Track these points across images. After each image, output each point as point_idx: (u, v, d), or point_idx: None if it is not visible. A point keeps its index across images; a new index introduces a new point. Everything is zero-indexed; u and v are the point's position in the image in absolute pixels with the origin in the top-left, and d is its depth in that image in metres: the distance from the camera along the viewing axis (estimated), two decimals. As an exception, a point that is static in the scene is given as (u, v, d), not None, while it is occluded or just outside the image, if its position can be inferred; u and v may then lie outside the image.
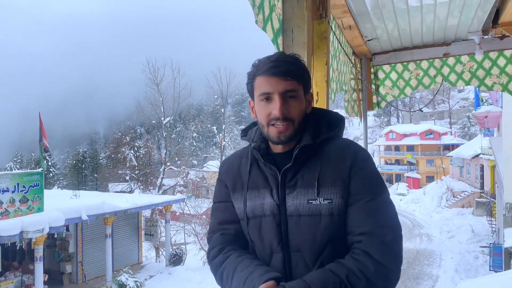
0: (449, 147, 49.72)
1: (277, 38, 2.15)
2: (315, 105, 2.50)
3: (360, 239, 1.15)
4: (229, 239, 1.31)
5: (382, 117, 76.62)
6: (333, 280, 1.10)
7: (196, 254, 22.67)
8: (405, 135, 56.34)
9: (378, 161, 58.74)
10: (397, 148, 57.09)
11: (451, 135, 55.71)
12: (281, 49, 2.20)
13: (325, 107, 2.50)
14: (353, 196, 1.19)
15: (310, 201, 1.19)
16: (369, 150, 66.62)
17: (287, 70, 1.21)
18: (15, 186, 11.48)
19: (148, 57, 35.12)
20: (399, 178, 53.24)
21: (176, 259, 17.68)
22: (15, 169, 53.34)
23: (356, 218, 1.17)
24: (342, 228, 1.19)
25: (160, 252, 22.15)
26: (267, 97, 1.22)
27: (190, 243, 24.48)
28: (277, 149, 1.28)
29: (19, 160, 71.41)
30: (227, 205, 1.35)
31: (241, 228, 1.32)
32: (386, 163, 57.83)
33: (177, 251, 18.35)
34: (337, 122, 1.33)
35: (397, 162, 56.35)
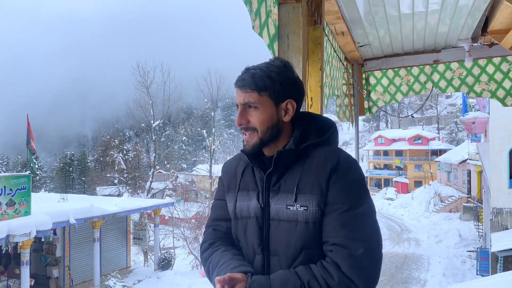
0: (437, 152, 50.27)
1: (273, 43, 2.17)
2: (309, 110, 2.52)
3: (331, 249, 1.15)
4: (221, 235, 1.38)
5: (371, 122, 77.24)
6: (293, 282, 1.12)
7: (185, 259, 22.54)
8: (393, 140, 56.82)
9: (367, 165, 59.10)
10: (386, 153, 57.52)
11: (439, 140, 56.34)
12: (276, 55, 2.22)
13: (319, 112, 2.53)
14: (329, 206, 1.17)
15: (288, 207, 1.21)
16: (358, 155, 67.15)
17: (246, 83, 1.25)
18: (1, 189, 11.30)
19: (138, 59, 34.91)
20: (387, 182, 53.60)
21: (165, 264, 17.55)
22: (1, 172, 52.50)
23: (331, 228, 1.16)
24: (318, 237, 1.18)
25: (149, 256, 21.98)
26: (238, 107, 1.29)
27: (179, 247, 24.34)
28: (268, 152, 1.32)
29: (5, 163, 70.33)
30: (222, 203, 1.42)
31: (230, 225, 1.38)
32: (375, 167, 58.22)
33: (166, 255, 18.21)
34: (327, 128, 1.33)
35: (386, 167, 56.75)
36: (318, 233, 1.18)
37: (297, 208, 1.19)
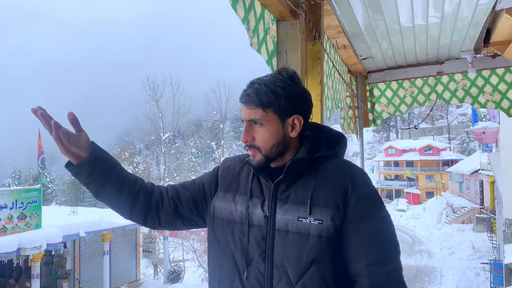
0: (448, 163, 49.73)
1: (272, 59, 2.21)
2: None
3: (368, 269, 1.17)
4: (167, 189, 1.42)
5: (381, 133, 76.82)
6: None
7: (195, 272, 22.44)
8: (404, 151, 56.41)
9: (378, 176, 58.66)
10: (396, 163, 57.08)
11: (450, 150, 55.78)
12: (275, 70, 2.26)
13: (319, 126, 2.56)
14: (353, 223, 1.18)
15: (300, 219, 1.19)
16: (369, 166, 66.67)
17: (251, 99, 1.22)
18: (13, 203, 11.47)
19: (148, 73, 35.33)
20: (398, 194, 53.09)
21: (175, 276, 17.52)
22: (13, 185, 53.16)
23: (361, 246, 1.17)
24: (329, 251, 1.17)
25: (158, 269, 21.94)
26: (243, 122, 1.28)
27: (188, 260, 24.26)
28: (274, 164, 1.29)
29: (17, 176, 71.20)
30: (199, 181, 1.43)
31: (184, 196, 1.39)
32: (386, 178, 57.75)
33: (175, 268, 18.20)
34: (338, 141, 1.32)
35: (397, 177, 56.27)
36: (330, 248, 1.17)
37: (310, 221, 1.18)
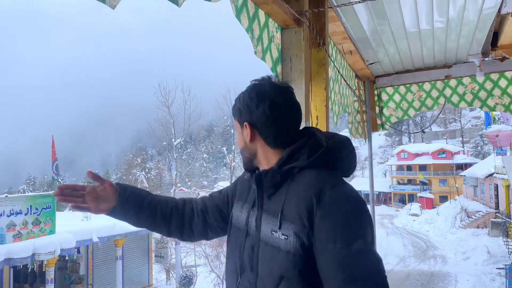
0: (462, 166, 49.09)
1: (276, 66, 2.25)
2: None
3: None
4: (199, 202, 1.55)
5: (394, 137, 76.22)
6: None
7: (207, 277, 22.48)
8: (417, 155, 55.85)
9: (391, 181, 58.16)
10: (409, 167, 56.53)
11: (463, 154, 55.08)
12: (280, 77, 2.30)
13: (324, 130, 2.59)
14: (320, 242, 1.09)
15: (272, 232, 1.18)
16: (381, 170, 66.16)
17: (232, 110, 1.37)
18: (28, 209, 11.65)
19: (159, 80, 35.72)
20: (411, 198, 52.53)
21: (187, 281, 17.58)
22: (28, 192, 53.91)
23: (328, 269, 1.08)
24: (296, 270, 1.12)
25: (171, 274, 22.05)
26: None
27: (200, 265, 24.32)
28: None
29: (32, 183, 72.23)
30: (225, 191, 1.53)
31: (211, 208, 1.51)
32: (399, 183, 57.23)
33: (187, 273, 18.27)
34: (315, 150, 1.21)
35: (410, 182, 55.71)
36: (296, 266, 1.11)
37: (279, 236, 1.14)
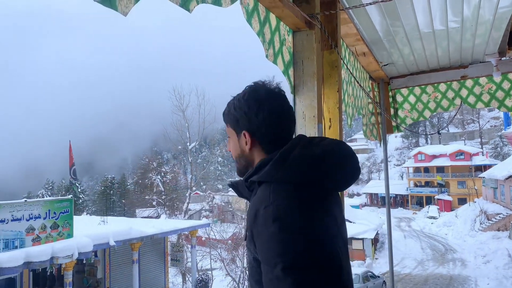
0: (481, 168, 48.17)
1: (288, 70, 2.25)
2: (328, 131, 2.57)
3: None
4: None
5: (410, 138, 75.26)
6: None
7: (223, 280, 22.50)
8: (434, 156, 55.06)
9: (408, 183, 57.41)
10: (426, 169, 55.75)
11: (482, 155, 54.05)
12: (291, 80, 2.30)
13: (338, 133, 2.57)
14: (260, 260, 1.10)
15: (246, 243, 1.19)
16: (398, 172, 65.33)
17: (223, 117, 1.35)
18: (46, 213, 11.84)
19: (174, 85, 36.01)
20: (429, 200, 51.76)
21: (202, 285, 17.62)
22: (46, 196, 54.89)
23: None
24: (255, 278, 1.13)
25: (187, 278, 22.13)
26: None
27: (216, 268, 24.36)
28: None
29: (50, 187, 73.50)
30: None
31: None
32: (416, 185, 56.45)
33: (203, 276, 18.31)
34: (268, 160, 1.15)
35: (427, 184, 54.92)
36: (254, 276, 1.14)
37: (247, 247, 1.17)
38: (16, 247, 10.90)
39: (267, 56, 2.05)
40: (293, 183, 1.09)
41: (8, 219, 10.85)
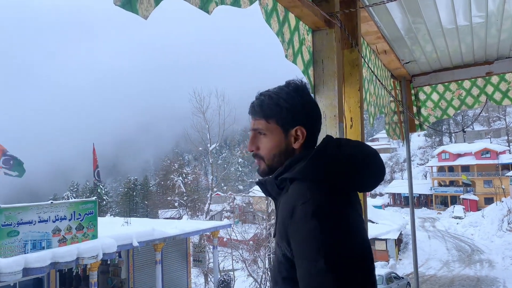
0: (508, 167, 46.84)
1: (308, 69, 2.23)
2: (349, 130, 2.54)
3: None
4: None
5: (434, 137, 73.74)
6: None
7: (245, 281, 22.54)
8: (459, 155, 53.84)
9: (432, 183, 56.29)
10: (451, 169, 54.57)
11: (510, 153, 52.53)
12: (312, 80, 2.28)
13: (359, 132, 2.54)
14: (295, 258, 1.07)
15: (276, 240, 1.18)
16: (421, 172, 64.13)
17: (256, 111, 1.26)
18: (71, 214, 12.10)
19: (194, 87, 36.34)
20: (454, 200, 50.63)
21: (225, 286, 17.70)
22: (71, 198, 56.14)
23: (300, 284, 1.05)
24: (282, 276, 1.14)
25: (209, 278, 22.25)
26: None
27: (238, 269, 24.43)
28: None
29: (75, 189, 75.15)
30: None
31: None
32: (440, 184, 55.30)
33: (225, 277, 18.38)
34: (300, 158, 1.18)
35: (452, 183, 53.73)
36: (282, 273, 1.13)
37: (276, 244, 1.16)
38: (43, 248, 11.18)
39: (286, 56, 2.04)
40: (328, 181, 1.10)
41: (35, 221, 11.14)
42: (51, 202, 11.99)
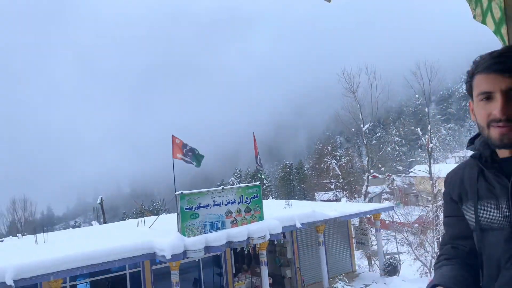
0: None
1: (500, 28, 1.91)
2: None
3: None
4: (460, 254, 1.27)
5: None
6: None
7: (412, 265, 21.48)
8: None
9: None
10: None
11: None
12: (505, 39, 1.93)
13: None
14: None
15: None
16: None
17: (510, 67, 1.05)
18: (240, 198, 13.23)
19: (342, 67, 35.59)
20: None
21: (391, 269, 17.14)
22: (236, 183, 61.41)
23: None
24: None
25: (372, 261, 21.85)
26: (487, 96, 1.08)
27: (403, 253, 23.39)
28: (505, 153, 1.12)
29: (239, 175, 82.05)
30: (456, 219, 1.30)
31: (474, 244, 1.24)
32: None
33: (391, 261, 17.79)
34: None
35: None
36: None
37: None
38: (218, 229, 12.51)
39: (474, 17, 1.78)
40: None
41: (211, 204, 12.52)
42: (222, 188, 13.29)
